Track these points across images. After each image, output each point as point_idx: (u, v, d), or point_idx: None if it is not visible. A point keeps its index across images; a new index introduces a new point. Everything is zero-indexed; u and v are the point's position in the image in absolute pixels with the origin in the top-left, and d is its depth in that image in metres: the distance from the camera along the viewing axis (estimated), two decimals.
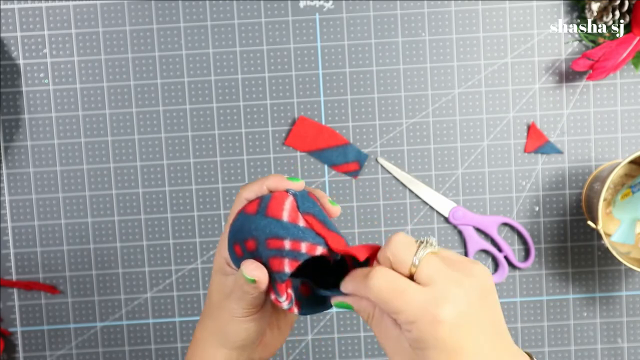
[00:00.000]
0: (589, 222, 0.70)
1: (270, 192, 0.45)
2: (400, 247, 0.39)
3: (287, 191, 0.44)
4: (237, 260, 0.45)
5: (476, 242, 0.77)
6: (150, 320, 0.78)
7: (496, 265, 0.78)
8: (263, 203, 0.44)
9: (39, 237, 0.77)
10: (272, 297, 0.44)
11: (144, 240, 0.78)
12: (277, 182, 0.45)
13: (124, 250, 0.78)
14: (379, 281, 0.38)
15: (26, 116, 0.77)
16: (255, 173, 0.77)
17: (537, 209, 0.77)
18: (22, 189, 0.77)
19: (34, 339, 0.78)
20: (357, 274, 0.41)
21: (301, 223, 0.43)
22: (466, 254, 0.77)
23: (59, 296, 0.78)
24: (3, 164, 0.77)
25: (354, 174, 0.77)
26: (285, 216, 0.43)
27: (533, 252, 0.77)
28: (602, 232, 0.69)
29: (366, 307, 0.41)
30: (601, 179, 0.71)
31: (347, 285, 0.41)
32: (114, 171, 0.77)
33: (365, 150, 0.77)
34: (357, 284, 0.40)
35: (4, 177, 0.77)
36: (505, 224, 0.78)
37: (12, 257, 0.78)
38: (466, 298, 0.37)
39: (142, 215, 0.77)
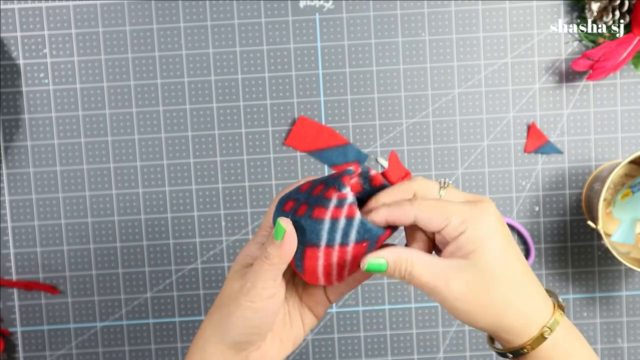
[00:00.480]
0: (589, 222, 0.70)
1: None
2: (425, 184, 0.44)
3: None
4: (284, 214, 0.45)
5: None
6: (150, 320, 0.78)
7: None
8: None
9: (39, 237, 0.77)
10: (335, 196, 0.43)
11: (144, 240, 0.78)
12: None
13: (124, 250, 0.78)
14: (424, 201, 0.43)
15: (26, 116, 0.77)
16: (255, 173, 0.77)
17: (537, 209, 0.77)
18: (22, 189, 0.77)
19: (34, 339, 0.78)
20: (398, 203, 0.44)
21: None
22: None
23: (59, 296, 0.78)
24: (3, 164, 0.77)
25: None
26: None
27: (533, 252, 0.77)
28: (602, 232, 0.69)
29: (402, 252, 0.43)
30: (601, 179, 0.71)
31: (386, 212, 0.44)
32: (114, 171, 0.77)
33: (365, 150, 0.77)
34: (401, 210, 0.43)
35: (4, 177, 0.77)
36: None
37: (12, 257, 0.78)
38: (495, 211, 0.43)
39: (142, 215, 0.77)
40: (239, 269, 0.46)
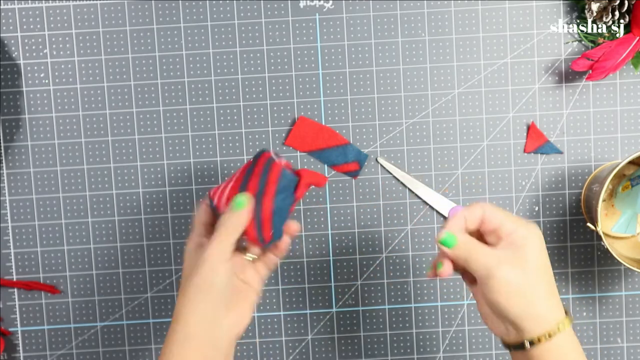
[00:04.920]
0: (588, 224, 0.70)
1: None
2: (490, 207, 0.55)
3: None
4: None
5: None
6: (151, 320, 0.78)
7: None
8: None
9: (39, 237, 0.77)
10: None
11: (144, 240, 0.78)
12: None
13: (124, 250, 0.78)
14: (489, 204, 0.55)
15: (26, 116, 0.77)
16: None
17: (536, 208, 0.78)
18: (22, 189, 0.77)
19: (34, 338, 0.78)
20: (471, 204, 0.55)
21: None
22: None
23: (59, 296, 0.78)
24: (3, 164, 0.77)
25: (354, 174, 0.77)
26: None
27: None
28: (601, 233, 0.69)
29: (467, 237, 0.55)
30: (600, 179, 0.71)
31: (465, 211, 0.55)
32: (114, 171, 0.77)
33: (365, 150, 0.77)
34: (474, 206, 0.55)
35: (4, 177, 0.77)
36: None
37: (12, 257, 0.78)
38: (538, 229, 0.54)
39: (142, 215, 0.77)
40: (192, 254, 0.56)
